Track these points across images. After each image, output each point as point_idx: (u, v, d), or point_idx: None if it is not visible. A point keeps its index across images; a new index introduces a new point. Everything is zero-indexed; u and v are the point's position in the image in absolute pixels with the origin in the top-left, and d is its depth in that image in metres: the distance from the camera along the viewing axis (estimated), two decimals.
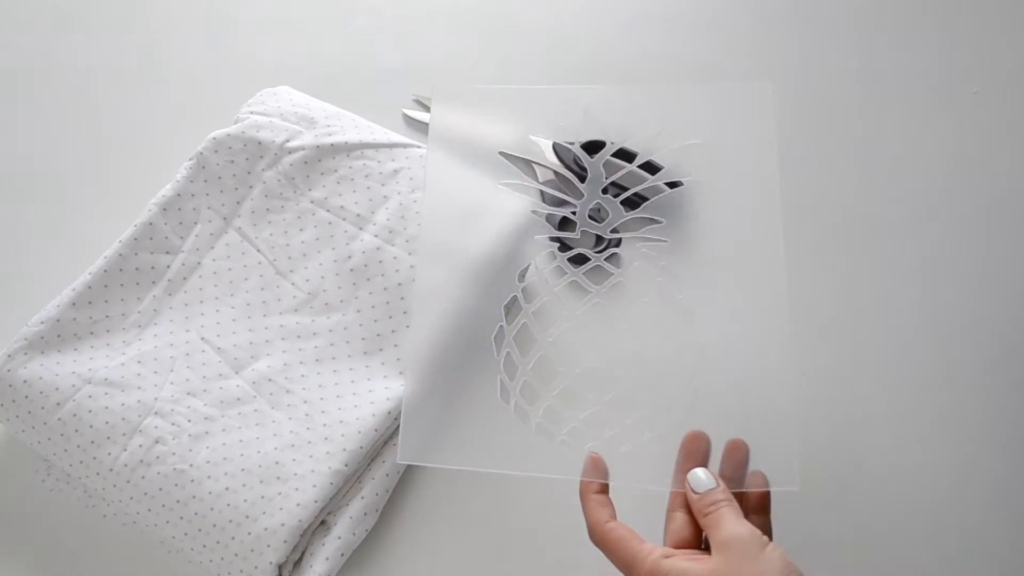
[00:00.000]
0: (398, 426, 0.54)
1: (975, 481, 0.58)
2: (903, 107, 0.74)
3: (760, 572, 0.42)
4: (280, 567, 0.51)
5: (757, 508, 0.48)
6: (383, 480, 0.54)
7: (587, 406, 0.54)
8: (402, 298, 0.58)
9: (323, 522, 0.53)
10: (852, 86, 0.75)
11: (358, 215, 0.61)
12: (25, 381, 0.54)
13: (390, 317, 0.58)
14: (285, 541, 0.50)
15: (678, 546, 0.46)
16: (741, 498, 0.47)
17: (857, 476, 0.58)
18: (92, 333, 0.57)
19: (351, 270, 0.59)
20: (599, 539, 0.46)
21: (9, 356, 0.54)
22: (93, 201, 0.68)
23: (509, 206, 0.61)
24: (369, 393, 0.55)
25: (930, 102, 0.74)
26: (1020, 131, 0.73)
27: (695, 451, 0.48)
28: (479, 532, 0.55)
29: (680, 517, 0.48)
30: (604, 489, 0.48)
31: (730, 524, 0.44)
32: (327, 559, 0.52)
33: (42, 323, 0.55)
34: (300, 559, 0.52)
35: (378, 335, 0.57)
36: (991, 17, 0.79)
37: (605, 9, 0.81)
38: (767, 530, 0.47)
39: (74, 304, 0.57)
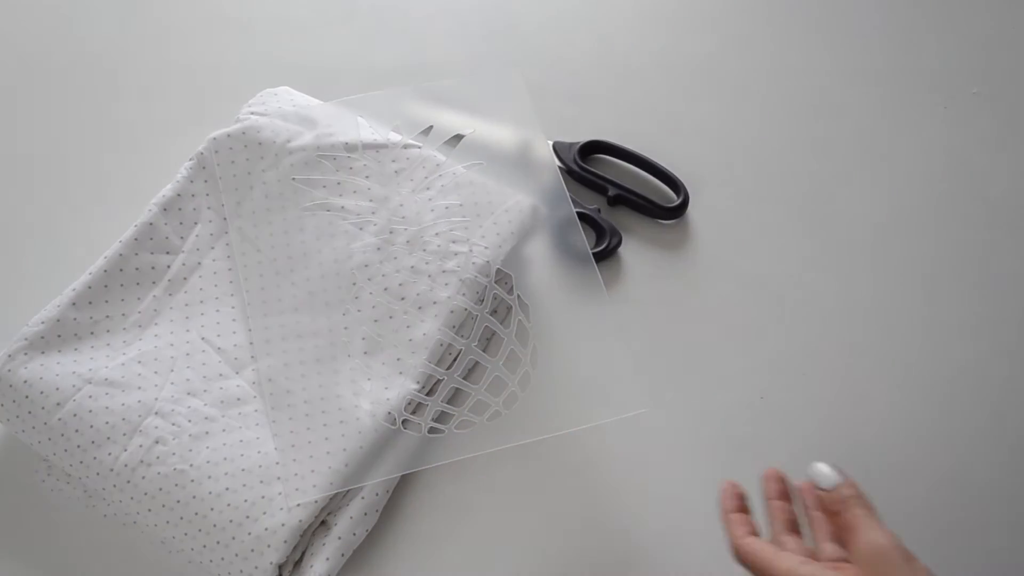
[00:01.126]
0: (402, 421, 0.55)
1: (973, 481, 0.58)
2: (903, 107, 0.74)
3: None
4: (280, 567, 0.51)
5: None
6: (383, 480, 0.54)
7: (441, 388, 0.56)
8: (402, 298, 0.58)
9: (323, 522, 0.53)
10: (852, 86, 0.76)
11: (358, 215, 0.61)
12: (25, 381, 0.54)
13: (390, 317, 0.58)
14: (285, 541, 0.50)
15: (790, 532, 0.46)
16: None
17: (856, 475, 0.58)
18: (92, 333, 0.57)
19: (351, 270, 0.59)
20: (737, 553, 0.45)
21: (9, 356, 0.54)
22: (93, 201, 0.68)
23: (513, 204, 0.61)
24: (370, 393, 0.55)
25: (930, 102, 0.74)
26: (1020, 131, 0.73)
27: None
28: (479, 532, 0.55)
29: (785, 508, 0.47)
30: (743, 509, 0.47)
31: (870, 531, 0.42)
32: (327, 559, 0.52)
33: (42, 323, 0.55)
34: (300, 559, 0.52)
35: (378, 335, 0.57)
36: (991, 17, 0.79)
37: (605, 9, 0.81)
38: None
39: (74, 304, 0.57)
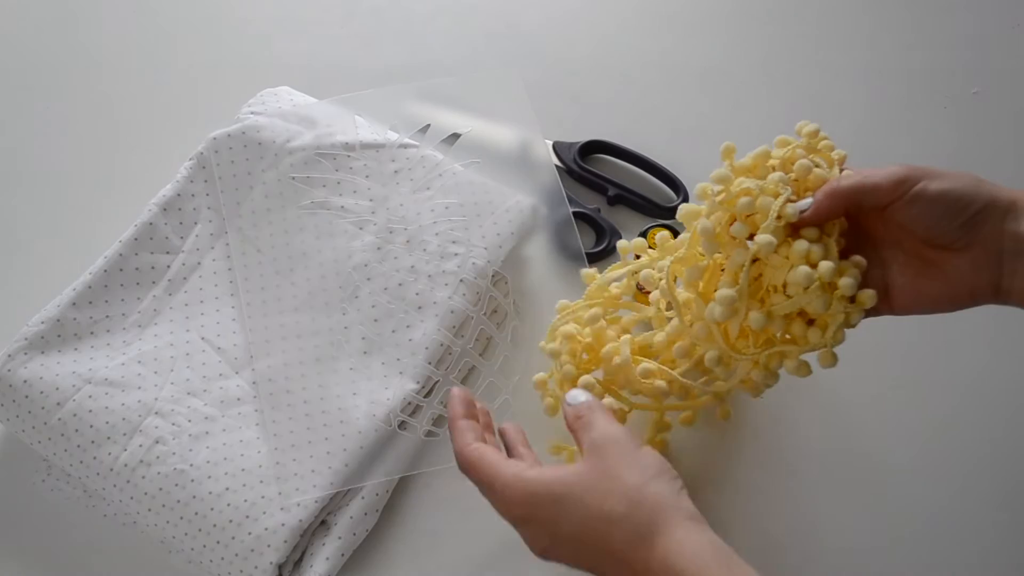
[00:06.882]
0: (400, 423, 0.55)
1: (974, 482, 0.58)
2: (903, 107, 0.74)
3: (638, 469, 0.40)
4: (280, 567, 0.51)
5: None
6: (383, 480, 0.54)
7: (439, 390, 0.57)
8: (402, 298, 0.58)
9: (323, 522, 0.53)
10: (852, 86, 0.75)
11: (358, 215, 0.61)
12: (25, 381, 0.54)
13: (390, 317, 0.58)
14: (285, 541, 0.51)
15: None
16: None
17: (859, 477, 0.58)
18: (92, 333, 0.57)
19: (351, 270, 0.59)
20: (463, 463, 0.43)
21: (9, 356, 0.54)
22: (93, 201, 0.68)
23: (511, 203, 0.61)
24: (369, 393, 0.55)
25: (930, 102, 0.74)
26: (1020, 131, 0.73)
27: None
28: (479, 532, 0.55)
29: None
30: (472, 416, 0.45)
31: (601, 424, 0.42)
32: (327, 559, 0.52)
33: (42, 323, 0.56)
34: (300, 559, 0.52)
35: (378, 335, 0.57)
36: (991, 17, 0.79)
37: (605, 9, 0.81)
38: None
39: (74, 304, 0.57)
